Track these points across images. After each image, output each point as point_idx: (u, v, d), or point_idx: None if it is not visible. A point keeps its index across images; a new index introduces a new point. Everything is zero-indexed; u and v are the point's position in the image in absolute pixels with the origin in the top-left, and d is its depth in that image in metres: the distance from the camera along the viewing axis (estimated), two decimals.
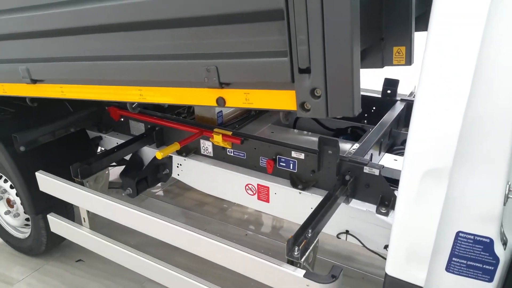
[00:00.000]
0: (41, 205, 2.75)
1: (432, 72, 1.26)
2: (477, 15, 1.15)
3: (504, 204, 1.33)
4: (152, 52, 1.69)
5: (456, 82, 1.22)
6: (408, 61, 1.87)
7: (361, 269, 2.99)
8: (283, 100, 1.48)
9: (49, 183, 2.52)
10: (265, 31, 1.37)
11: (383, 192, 2.11)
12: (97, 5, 1.73)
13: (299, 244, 1.75)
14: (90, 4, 1.75)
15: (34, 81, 2.21)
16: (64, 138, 2.83)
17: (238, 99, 1.58)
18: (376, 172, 2.11)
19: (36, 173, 2.55)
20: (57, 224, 2.67)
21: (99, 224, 2.67)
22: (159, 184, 3.98)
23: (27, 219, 3.02)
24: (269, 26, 1.36)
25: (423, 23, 1.71)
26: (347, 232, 2.30)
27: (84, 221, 2.58)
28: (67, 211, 2.91)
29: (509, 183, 1.32)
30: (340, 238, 2.34)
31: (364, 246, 2.26)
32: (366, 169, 2.13)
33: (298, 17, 1.26)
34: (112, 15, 1.71)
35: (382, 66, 1.97)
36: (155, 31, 1.63)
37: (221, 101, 1.61)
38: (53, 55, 2.06)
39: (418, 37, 1.76)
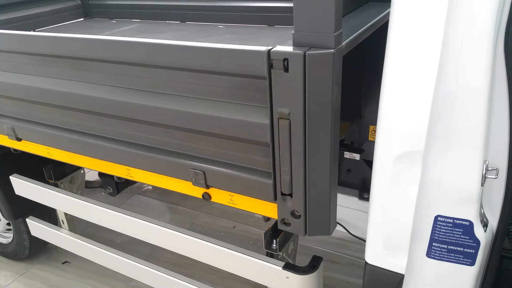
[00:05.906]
0: (19, 209, 2.69)
1: (397, 50, 1.19)
2: None
3: (482, 185, 1.27)
4: (142, 142, 1.70)
5: (423, 60, 1.16)
6: None
7: (351, 255, 2.95)
8: (265, 208, 1.57)
9: (24, 187, 2.45)
10: (252, 151, 1.45)
11: (365, 177, 2.06)
12: (84, 94, 1.71)
13: (277, 236, 1.70)
14: (78, 90, 1.72)
15: (19, 139, 2.16)
16: None
17: (223, 198, 1.66)
18: (357, 156, 2.05)
19: (11, 177, 2.48)
20: (36, 227, 2.61)
21: (84, 224, 2.60)
22: None
23: (8, 224, 2.96)
24: (257, 149, 1.43)
25: None
26: None
27: (63, 223, 2.51)
28: (49, 213, 2.84)
29: (486, 162, 1.26)
30: None
31: (349, 232, 2.21)
32: (347, 154, 2.08)
33: (283, 153, 1.34)
34: (98, 106, 1.70)
35: (358, 138, 2.11)
36: (147, 125, 1.64)
37: (207, 196, 1.69)
38: (39, 120, 2.00)
39: None
